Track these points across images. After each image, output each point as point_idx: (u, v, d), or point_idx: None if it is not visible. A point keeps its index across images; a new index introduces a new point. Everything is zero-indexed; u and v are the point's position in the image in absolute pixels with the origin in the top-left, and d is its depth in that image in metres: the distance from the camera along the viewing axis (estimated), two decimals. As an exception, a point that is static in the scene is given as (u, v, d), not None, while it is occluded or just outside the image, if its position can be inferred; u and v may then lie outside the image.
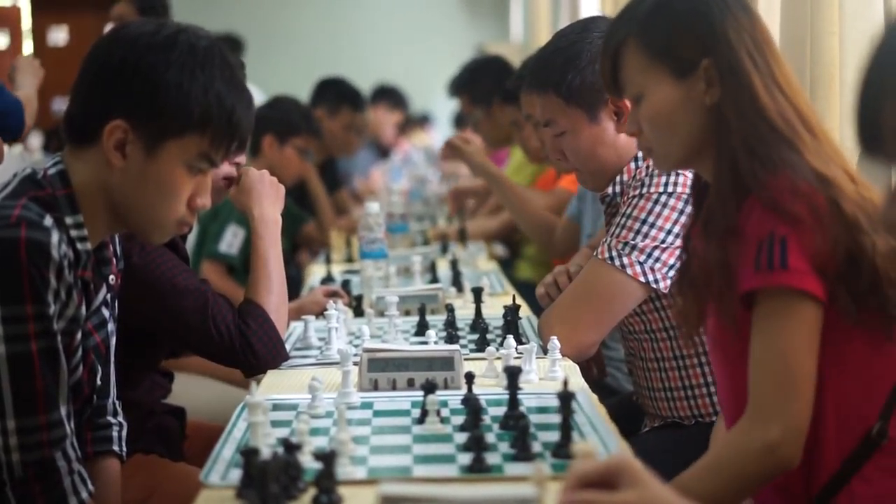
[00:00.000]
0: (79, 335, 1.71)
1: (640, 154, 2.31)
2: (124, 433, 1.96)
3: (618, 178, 2.32)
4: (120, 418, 1.96)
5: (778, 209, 1.53)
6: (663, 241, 2.16)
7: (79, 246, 1.66)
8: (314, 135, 4.41)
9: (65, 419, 1.65)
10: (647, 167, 2.28)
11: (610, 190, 2.34)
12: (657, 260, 2.16)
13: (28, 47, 9.85)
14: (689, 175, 2.19)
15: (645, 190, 2.20)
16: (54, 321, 1.61)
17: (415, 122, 10.18)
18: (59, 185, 1.66)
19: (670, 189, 2.19)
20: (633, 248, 2.17)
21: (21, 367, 1.59)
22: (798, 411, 1.53)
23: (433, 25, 11.85)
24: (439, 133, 10.56)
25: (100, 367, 1.79)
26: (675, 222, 2.17)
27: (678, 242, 2.15)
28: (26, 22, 10.48)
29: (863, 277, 1.53)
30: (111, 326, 1.87)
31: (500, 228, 4.44)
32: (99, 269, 1.77)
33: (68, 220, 1.65)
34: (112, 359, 1.91)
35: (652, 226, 2.17)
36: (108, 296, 1.82)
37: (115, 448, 1.93)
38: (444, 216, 5.22)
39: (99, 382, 1.80)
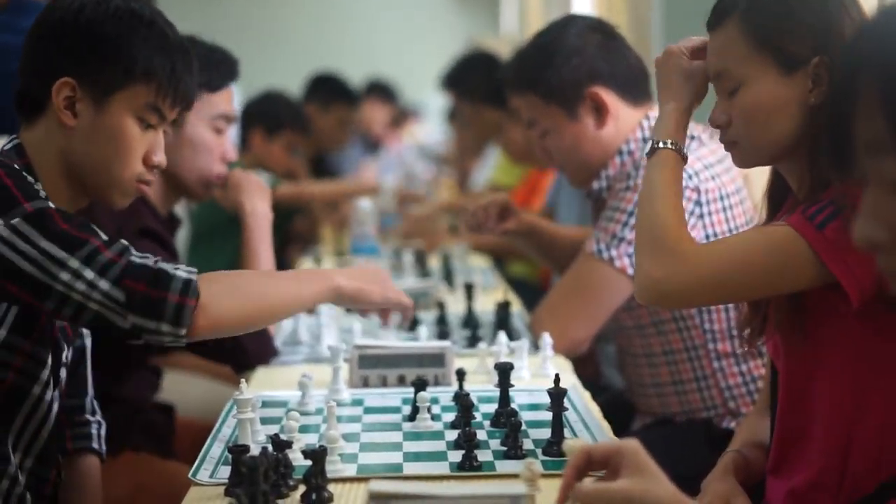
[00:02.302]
0: None
1: (624, 148, 2.30)
2: (103, 431, 1.95)
3: (603, 173, 2.32)
4: (98, 417, 1.95)
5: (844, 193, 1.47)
6: None
7: None
8: (302, 131, 4.41)
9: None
10: (634, 161, 2.27)
11: (595, 185, 2.34)
12: None
13: None
14: None
15: (632, 182, 2.20)
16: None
17: (406, 116, 10.16)
18: (15, 157, 1.67)
19: None
20: (622, 240, 2.16)
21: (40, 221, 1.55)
22: (692, 292, 1.60)
23: (424, 18, 11.84)
24: (431, 126, 10.55)
25: (65, 346, 1.77)
26: None
27: None
28: None
29: None
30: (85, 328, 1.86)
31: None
32: None
33: None
34: (88, 358, 1.90)
35: None
36: None
37: (95, 445, 1.92)
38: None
39: (66, 360, 1.78)
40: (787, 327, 1.59)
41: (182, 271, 1.58)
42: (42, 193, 1.60)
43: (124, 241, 1.60)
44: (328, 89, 5.30)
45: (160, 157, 1.73)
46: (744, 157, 1.68)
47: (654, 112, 2.32)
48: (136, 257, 1.58)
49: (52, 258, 1.53)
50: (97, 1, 1.67)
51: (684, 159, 1.71)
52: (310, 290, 1.72)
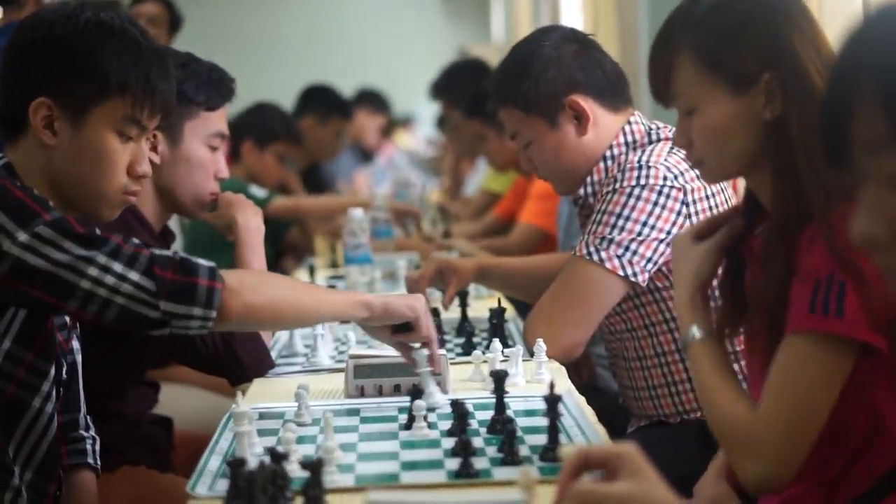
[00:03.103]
0: None
1: (608, 153, 2.32)
2: (97, 447, 1.96)
3: (588, 179, 2.34)
4: (92, 432, 1.96)
5: (839, 257, 1.44)
6: (640, 234, 2.17)
7: None
8: (294, 141, 4.42)
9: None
10: (619, 164, 2.29)
11: (581, 191, 2.36)
12: (634, 253, 2.17)
13: None
14: (661, 167, 2.21)
15: (618, 185, 2.22)
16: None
17: (398, 124, 10.18)
18: (6, 176, 1.68)
19: (643, 182, 2.20)
20: (611, 241, 2.18)
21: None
22: (791, 461, 1.48)
23: (414, 28, 11.86)
24: (423, 134, 10.56)
25: (63, 362, 1.78)
26: (650, 214, 2.18)
27: (654, 234, 2.17)
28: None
29: None
30: (76, 344, 1.87)
31: (483, 231, 4.46)
32: None
33: None
34: (80, 375, 1.91)
35: (627, 219, 2.18)
36: None
37: (90, 461, 1.92)
38: (429, 220, 5.22)
39: (64, 375, 1.79)
40: (775, 332, 1.58)
41: (203, 261, 1.61)
42: (52, 205, 1.61)
43: (137, 240, 1.63)
44: (325, 102, 5.32)
45: (144, 167, 1.74)
46: (709, 175, 1.70)
47: (636, 116, 2.37)
48: (156, 250, 1.60)
49: (79, 257, 1.56)
50: (66, 17, 1.68)
51: (717, 334, 1.68)
52: (337, 298, 1.76)
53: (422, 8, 11.98)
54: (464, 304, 2.46)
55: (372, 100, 8.55)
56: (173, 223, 2.57)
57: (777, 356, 1.51)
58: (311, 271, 3.48)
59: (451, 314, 2.55)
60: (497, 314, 2.33)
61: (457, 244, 3.45)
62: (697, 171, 1.76)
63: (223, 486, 1.48)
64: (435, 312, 2.45)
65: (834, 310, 1.44)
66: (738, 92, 1.57)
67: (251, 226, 2.33)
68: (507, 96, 2.36)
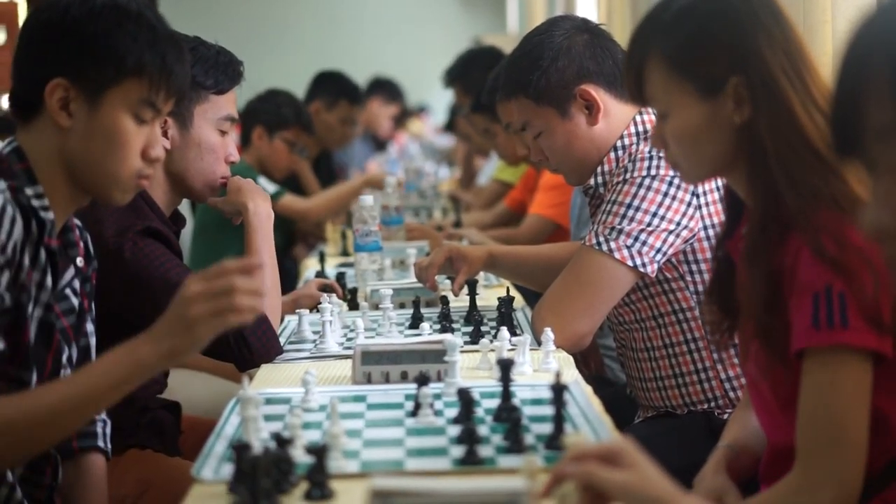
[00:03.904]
0: (34, 309, 1.69)
1: (618, 144, 2.32)
2: (108, 429, 1.96)
3: (599, 170, 2.34)
4: (103, 415, 1.96)
5: (827, 261, 1.44)
6: (649, 224, 2.17)
7: (42, 215, 1.67)
8: (305, 129, 4.41)
9: None
10: (630, 155, 2.29)
11: (592, 181, 2.36)
12: (644, 243, 2.17)
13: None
14: None
15: (629, 175, 2.22)
16: None
17: (411, 113, 10.17)
18: (16, 161, 1.68)
19: (653, 172, 2.20)
20: (620, 232, 2.18)
21: None
22: (850, 473, 1.44)
23: (429, 17, 11.83)
24: (436, 122, 10.54)
25: (66, 349, 1.78)
26: (660, 205, 2.18)
27: (664, 225, 2.17)
28: (23, 18, 10.45)
29: None
30: (90, 326, 1.86)
31: (494, 221, 4.45)
32: (65, 250, 1.78)
33: (28, 191, 1.66)
34: (93, 358, 1.91)
35: (637, 209, 2.18)
36: (77, 282, 1.81)
37: (101, 444, 1.92)
38: (439, 208, 5.22)
39: (64, 362, 1.79)
40: (766, 339, 1.57)
41: None
42: None
43: None
44: (334, 87, 5.30)
45: (158, 151, 1.73)
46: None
47: (649, 108, 2.34)
48: None
49: None
50: (84, 1, 1.68)
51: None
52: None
53: (437, -3, 11.96)
54: (473, 293, 2.46)
55: (386, 88, 8.55)
56: (184, 208, 2.57)
57: (803, 384, 1.48)
58: (322, 258, 3.48)
59: (460, 302, 2.56)
60: (506, 303, 2.33)
61: (467, 233, 3.45)
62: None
63: (229, 470, 1.49)
64: (444, 300, 2.45)
65: (839, 321, 1.43)
66: (706, 96, 1.57)
67: (261, 211, 2.33)
68: (518, 86, 2.36)
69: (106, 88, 1.67)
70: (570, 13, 6.02)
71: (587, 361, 3.11)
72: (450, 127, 6.58)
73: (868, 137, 1.01)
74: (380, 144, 8.50)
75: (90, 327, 1.88)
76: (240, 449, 1.41)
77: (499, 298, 2.36)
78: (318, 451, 1.40)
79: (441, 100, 9.47)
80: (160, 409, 2.36)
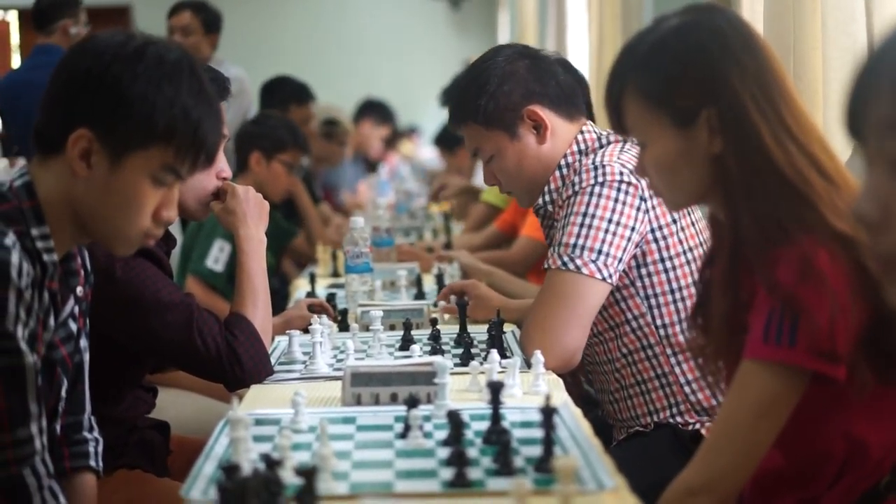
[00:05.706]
0: (41, 349, 1.69)
1: (562, 162, 2.40)
2: (100, 448, 1.95)
3: (546, 188, 2.42)
4: (96, 434, 1.95)
5: (777, 297, 1.46)
6: (607, 231, 2.22)
7: (45, 257, 1.65)
8: (301, 149, 4.41)
9: (36, 436, 1.62)
10: (574, 170, 2.35)
11: (540, 200, 2.43)
12: (607, 255, 2.22)
13: (17, 62, 9.79)
14: (615, 165, 2.26)
15: (577, 187, 2.29)
16: (17, 339, 1.58)
17: (402, 135, 10.19)
18: (25, 198, 1.65)
19: (601, 179, 2.26)
20: (582, 248, 2.23)
21: None
22: (731, 487, 1.52)
23: (420, 39, 11.86)
24: (427, 144, 10.56)
25: (65, 381, 1.77)
26: (613, 210, 2.24)
27: (620, 231, 2.22)
28: (14, 37, 10.44)
29: (894, 335, 1.45)
30: (83, 342, 1.86)
31: (484, 243, 4.46)
32: (66, 280, 1.77)
33: (34, 232, 1.64)
34: (86, 374, 1.90)
35: (593, 216, 2.24)
36: (76, 308, 1.81)
37: (92, 463, 1.92)
38: (430, 230, 5.22)
39: (63, 395, 1.79)
40: (729, 359, 1.59)
41: None
42: (9, 319, 1.55)
43: (37, 446, 1.61)
44: (281, 94, 5.34)
45: (171, 214, 1.70)
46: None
47: (588, 125, 2.45)
48: (28, 470, 1.58)
49: None
50: (130, 55, 1.63)
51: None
52: None
53: (428, 19, 11.99)
54: (463, 315, 2.47)
55: (377, 110, 8.57)
56: (174, 228, 2.57)
57: (733, 382, 1.54)
58: (312, 279, 3.48)
59: (450, 325, 2.56)
60: (496, 325, 2.34)
61: (458, 255, 3.45)
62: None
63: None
64: (433, 323, 2.45)
65: (787, 339, 1.46)
66: (681, 128, 1.60)
67: (253, 236, 2.33)
68: (467, 113, 2.43)
69: (131, 151, 1.62)
70: (561, 34, 6.06)
71: (576, 382, 3.11)
72: (442, 140, 6.59)
73: (868, 131, 1.06)
74: (370, 166, 8.52)
75: (84, 343, 1.87)
76: (229, 470, 1.41)
77: (489, 321, 2.36)
78: (308, 473, 1.40)
79: (432, 121, 9.49)
80: (149, 429, 2.35)
